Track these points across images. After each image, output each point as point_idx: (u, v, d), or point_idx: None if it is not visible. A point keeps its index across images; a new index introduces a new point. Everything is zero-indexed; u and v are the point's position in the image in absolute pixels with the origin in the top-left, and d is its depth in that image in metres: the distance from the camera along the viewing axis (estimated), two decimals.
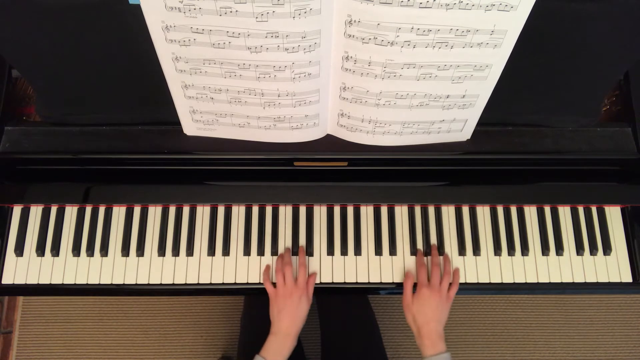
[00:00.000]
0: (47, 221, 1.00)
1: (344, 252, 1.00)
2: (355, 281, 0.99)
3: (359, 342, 1.14)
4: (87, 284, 0.98)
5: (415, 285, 0.96)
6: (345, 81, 0.77)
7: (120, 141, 0.91)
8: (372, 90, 0.78)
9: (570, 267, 1.00)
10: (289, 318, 0.91)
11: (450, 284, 0.96)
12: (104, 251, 0.99)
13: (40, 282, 0.98)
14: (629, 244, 1.01)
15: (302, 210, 1.03)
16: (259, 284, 0.98)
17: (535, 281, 0.99)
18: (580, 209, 1.03)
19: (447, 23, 0.66)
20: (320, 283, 0.99)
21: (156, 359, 1.66)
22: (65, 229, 1.01)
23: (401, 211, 1.03)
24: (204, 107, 0.84)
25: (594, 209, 1.03)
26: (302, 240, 1.01)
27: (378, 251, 1.00)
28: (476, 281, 0.99)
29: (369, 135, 0.88)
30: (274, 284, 0.96)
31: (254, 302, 1.20)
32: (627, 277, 0.99)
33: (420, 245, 1.01)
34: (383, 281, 0.99)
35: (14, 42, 0.77)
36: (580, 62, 0.82)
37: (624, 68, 0.92)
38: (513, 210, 1.03)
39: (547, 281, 0.99)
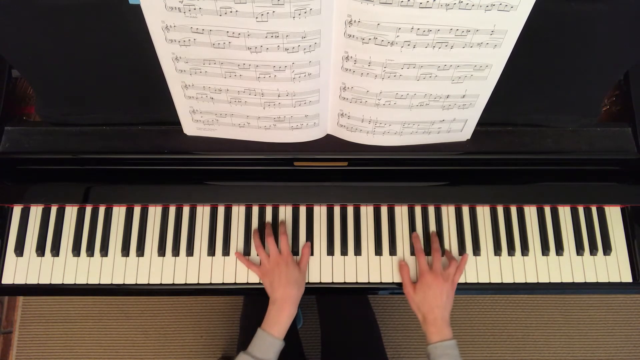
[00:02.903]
0: (47, 221, 1.00)
1: (344, 252, 1.00)
2: (355, 281, 0.99)
3: (359, 342, 1.14)
4: (87, 284, 0.98)
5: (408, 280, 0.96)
6: (345, 81, 0.77)
7: (120, 141, 0.91)
8: (372, 90, 0.78)
9: (570, 267, 1.00)
10: (282, 285, 0.91)
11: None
12: (104, 251, 0.99)
13: (40, 282, 0.98)
14: (629, 244, 1.01)
15: (302, 210, 1.03)
16: (259, 284, 0.98)
17: (535, 281, 0.99)
18: (580, 209, 1.03)
19: (447, 23, 0.66)
20: (320, 283, 0.99)
21: (156, 359, 1.66)
22: (65, 229, 1.00)
23: (401, 211, 1.03)
24: (204, 107, 0.84)
25: (594, 209, 1.03)
26: (302, 240, 1.01)
27: (378, 251, 1.00)
28: (476, 281, 0.99)
29: (369, 135, 0.88)
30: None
31: (253, 302, 1.20)
32: (627, 277, 0.99)
33: (420, 244, 1.00)
34: (383, 281, 0.99)
35: (14, 42, 0.77)
36: (580, 62, 0.82)
37: (624, 68, 0.92)
38: (513, 210, 1.03)
39: (547, 281, 0.99)
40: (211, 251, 1.00)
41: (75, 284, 0.98)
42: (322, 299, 1.27)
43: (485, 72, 0.75)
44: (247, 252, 1.00)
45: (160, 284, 0.99)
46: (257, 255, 0.98)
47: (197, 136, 0.91)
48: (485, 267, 1.00)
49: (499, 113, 0.88)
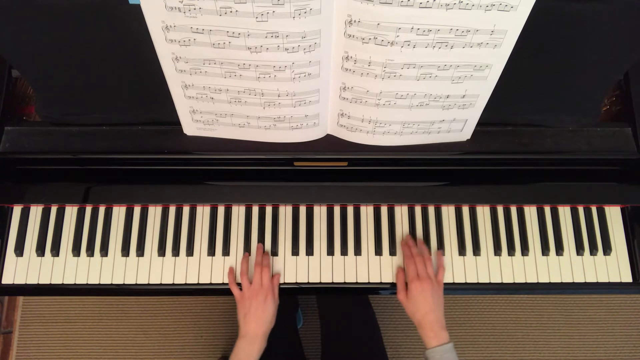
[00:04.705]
0: (47, 221, 1.00)
1: (344, 252, 1.00)
2: (355, 281, 0.99)
3: (359, 342, 1.14)
4: (87, 284, 0.98)
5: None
6: (345, 81, 0.77)
7: (120, 141, 0.91)
8: (372, 90, 0.78)
9: (570, 267, 1.00)
10: (255, 320, 0.91)
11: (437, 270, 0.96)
12: (104, 251, 0.99)
13: (40, 282, 0.98)
14: (629, 244, 1.01)
15: (302, 210, 1.03)
16: None
17: (535, 281, 0.99)
18: (580, 209, 1.03)
19: (447, 23, 0.66)
20: (320, 283, 0.99)
21: (156, 359, 1.66)
22: (65, 229, 1.00)
23: (401, 211, 1.03)
24: (204, 107, 0.84)
25: (594, 209, 1.03)
26: (302, 240, 1.01)
27: (378, 251, 1.00)
28: (476, 281, 0.99)
29: (369, 135, 0.88)
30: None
31: None
32: (627, 277, 0.99)
33: (408, 251, 0.99)
34: (383, 281, 0.99)
35: (14, 42, 0.77)
36: (580, 62, 0.82)
37: (624, 68, 0.92)
38: (513, 210, 1.03)
39: (547, 281, 0.99)
40: (211, 251, 1.00)
41: (75, 284, 0.98)
42: (322, 299, 1.27)
43: (485, 72, 0.75)
44: (246, 249, 1.00)
45: (160, 284, 0.99)
46: (240, 280, 0.96)
47: (197, 136, 0.91)
48: (485, 267, 1.00)
49: (499, 113, 0.88)
